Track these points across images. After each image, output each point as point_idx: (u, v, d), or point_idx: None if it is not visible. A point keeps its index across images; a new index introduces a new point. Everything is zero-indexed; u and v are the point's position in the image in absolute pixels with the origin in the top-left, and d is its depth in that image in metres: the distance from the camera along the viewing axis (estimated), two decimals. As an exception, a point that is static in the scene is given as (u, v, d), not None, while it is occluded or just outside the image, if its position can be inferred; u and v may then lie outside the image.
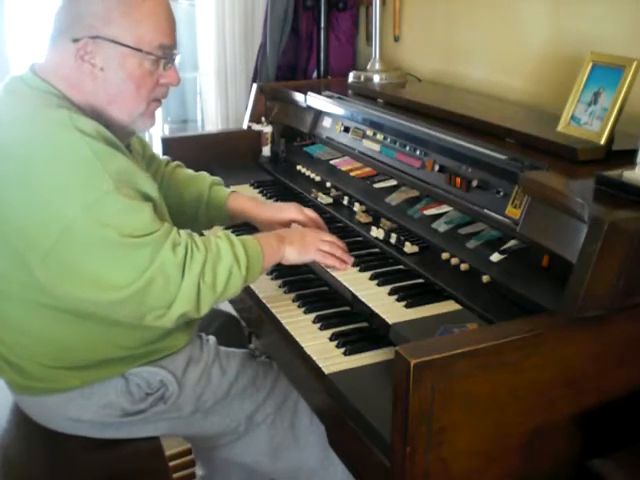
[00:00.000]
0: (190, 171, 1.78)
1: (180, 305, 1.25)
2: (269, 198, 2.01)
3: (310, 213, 1.64)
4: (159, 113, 3.17)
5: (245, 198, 1.73)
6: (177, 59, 1.39)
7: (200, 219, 1.71)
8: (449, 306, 1.36)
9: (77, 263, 1.20)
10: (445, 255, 1.49)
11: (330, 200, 1.88)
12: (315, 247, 1.46)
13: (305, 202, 1.94)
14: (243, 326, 1.95)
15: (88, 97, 1.33)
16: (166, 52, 1.35)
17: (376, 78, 2.23)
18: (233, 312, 1.85)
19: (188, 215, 1.68)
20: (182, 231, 1.30)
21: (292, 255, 1.44)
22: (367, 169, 1.92)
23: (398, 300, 1.39)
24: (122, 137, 1.37)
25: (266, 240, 1.40)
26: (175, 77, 1.39)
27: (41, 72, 1.33)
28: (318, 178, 2.03)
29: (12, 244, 1.25)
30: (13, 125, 1.26)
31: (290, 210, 1.64)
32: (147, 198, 1.29)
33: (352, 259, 1.52)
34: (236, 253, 1.31)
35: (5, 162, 1.24)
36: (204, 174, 1.77)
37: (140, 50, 1.31)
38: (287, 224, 1.62)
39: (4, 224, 1.25)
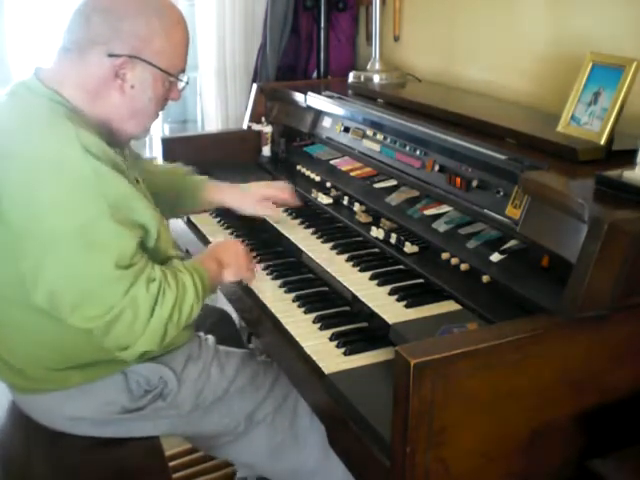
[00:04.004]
0: (164, 164, 1.86)
1: (144, 343, 1.25)
2: (269, 198, 2.00)
3: (281, 185, 1.83)
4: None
5: (217, 186, 1.82)
6: (186, 79, 1.43)
7: (179, 208, 1.80)
8: (449, 306, 1.36)
9: (59, 282, 1.21)
10: (445, 255, 1.49)
11: (330, 200, 1.88)
12: (248, 268, 1.54)
13: (305, 202, 1.94)
14: (236, 321, 1.97)
15: (109, 109, 1.33)
16: (182, 75, 1.41)
17: (376, 78, 2.23)
18: (226, 307, 1.86)
19: (168, 204, 1.71)
20: (157, 267, 1.29)
21: (229, 278, 1.50)
22: (367, 169, 1.92)
23: (398, 300, 1.39)
24: (124, 144, 1.40)
25: (211, 267, 1.44)
26: (179, 95, 1.44)
27: (48, 79, 1.32)
28: (318, 178, 2.03)
29: (12, 251, 1.25)
30: (19, 135, 1.25)
31: (261, 189, 1.81)
32: (142, 228, 1.29)
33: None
34: (197, 290, 1.33)
35: (9, 171, 1.23)
36: (177, 165, 1.85)
37: (169, 73, 1.36)
38: (262, 200, 1.78)
39: (7, 232, 1.25)
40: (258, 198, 1.78)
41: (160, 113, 1.47)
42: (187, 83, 1.43)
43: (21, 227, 1.22)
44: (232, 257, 1.51)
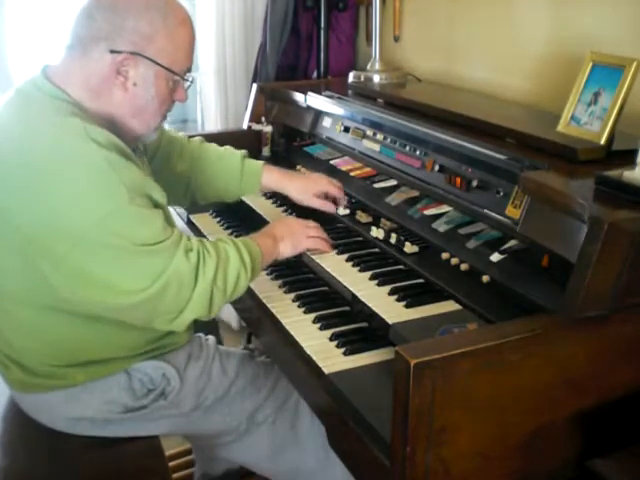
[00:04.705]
0: (216, 146, 1.85)
1: (193, 310, 1.28)
2: (269, 198, 2.01)
3: (338, 183, 1.81)
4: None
5: (277, 171, 1.83)
6: (191, 78, 1.44)
7: (232, 191, 1.81)
8: (449, 306, 1.36)
9: (92, 270, 1.22)
10: (445, 255, 1.49)
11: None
12: (305, 235, 1.55)
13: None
14: (235, 321, 1.96)
15: (112, 107, 1.34)
16: (188, 75, 1.41)
17: (376, 78, 2.23)
18: (226, 307, 1.86)
19: (219, 188, 1.79)
20: (193, 238, 1.33)
21: (287, 250, 1.52)
22: (367, 169, 1.92)
23: (398, 300, 1.39)
24: (130, 143, 1.39)
25: (263, 241, 1.46)
26: (185, 96, 1.45)
27: (55, 77, 1.32)
28: (318, 178, 2.03)
29: (23, 251, 1.26)
30: (24, 132, 1.25)
31: (321, 183, 1.78)
32: (157, 205, 1.31)
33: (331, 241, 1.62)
34: (242, 257, 1.36)
35: (15, 169, 1.24)
36: (231, 148, 1.86)
37: (172, 72, 1.36)
38: (320, 195, 1.77)
39: (15, 233, 1.25)
40: (317, 192, 1.77)
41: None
42: (192, 82, 1.43)
43: (39, 229, 1.22)
44: (285, 230, 1.53)
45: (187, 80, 1.41)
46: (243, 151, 1.84)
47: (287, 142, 2.28)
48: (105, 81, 1.32)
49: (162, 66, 1.33)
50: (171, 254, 1.25)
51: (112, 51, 1.29)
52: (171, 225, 1.33)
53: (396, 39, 2.51)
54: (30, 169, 1.22)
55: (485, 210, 1.49)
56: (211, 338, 1.61)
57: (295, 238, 1.53)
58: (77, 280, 1.24)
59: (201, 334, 1.60)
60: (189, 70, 1.41)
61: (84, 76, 1.32)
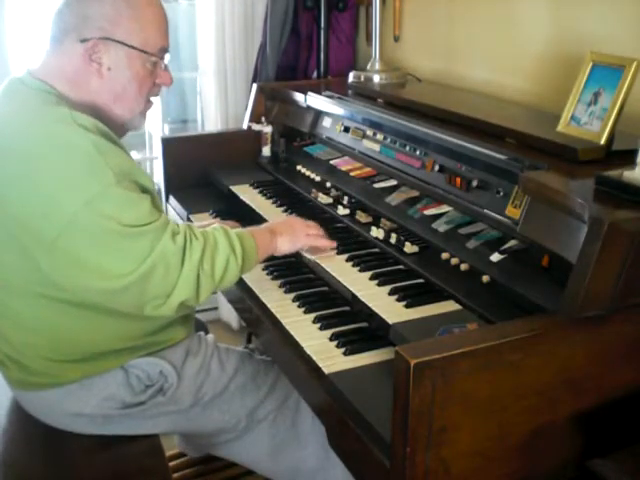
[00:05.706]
0: None
1: (180, 293, 1.27)
2: (269, 198, 2.00)
3: None
4: (159, 113, 3.18)
5: None
6: (167, 58, 1.46)
7: None
8: (449, 306, 1.36)
9: (81, 253, 1.23)
10: (445, 255, 1.49)
11: (330, 200, 1.88)
12: (304, 233, 1.54)
13: (305, 202, 1.94)
14: (235, 322, 1.95)
15: (92, 95, 1.37)
16: (163, 54, 1.43)
17: (376, 78, 2.23)
18: (225, 307, 1.86)
19: None
20: (180, 223, 1.34)
21: (285, 245, 1.51)
22: (367, 169, 1.92)
23: (398, 300, 1.39)
24: (118, 132, 1.42)
25: (259, 233, 1.46)
26: (169, 78, 1.47)
27: (38, 73, 1.36)
28: (318, 178, 2.03)
29: (19, 240, 1.27)
30: (14, 123, 1.28)
31: None
32: (144, 190, 1.32)
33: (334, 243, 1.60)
34: (232, 244, 1.35)
35: (7, 159, 1.26)
36: None
37: (145, 52, 1.38)
38: None
39: (11, 222, 1.27)
40: None
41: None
42: (166, 61, 1.45)
43: (29, 215, 1.24)
44: (284, 227, 1.54)
45: (161, 59, 1.43)
46: None
47: (287, 142, 2.28)
48: (81, 70, 1.36)
49: (132, 47, 1.36)
50: (158, 236, 1.25)
51: (81, 40, 1.33)
52: (159, 210, 1.33)
53: (396, 39, 2.51)
54: (21, 157, 1.24)
55: (485, 210, 1.49)
56: (210, 336, 1.61)
57: (294, 235, 1.53)
58: (67, 265, 1.25)
59: (201, 333, 1.61)
60: (165, 50, 1.43)
61: (61, 69, 1.36)
